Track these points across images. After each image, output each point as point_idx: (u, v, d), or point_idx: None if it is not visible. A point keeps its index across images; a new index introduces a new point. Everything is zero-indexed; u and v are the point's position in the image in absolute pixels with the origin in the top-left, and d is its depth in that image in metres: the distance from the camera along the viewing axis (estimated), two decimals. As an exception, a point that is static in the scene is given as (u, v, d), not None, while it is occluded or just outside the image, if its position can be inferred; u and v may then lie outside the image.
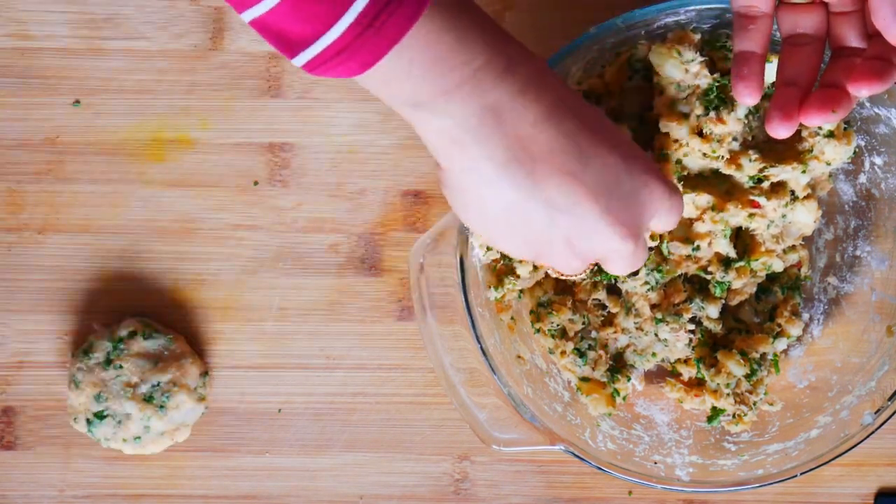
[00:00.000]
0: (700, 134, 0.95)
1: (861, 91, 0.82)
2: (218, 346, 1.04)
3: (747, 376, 1.00)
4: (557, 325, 1.00)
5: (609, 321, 1.00)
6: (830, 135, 0.97)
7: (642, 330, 1.00)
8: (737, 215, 0.97)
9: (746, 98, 0.85)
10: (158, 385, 1.01)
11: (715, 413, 1.01)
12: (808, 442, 0.98)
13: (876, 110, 0.97)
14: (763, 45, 0.85)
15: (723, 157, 0.95)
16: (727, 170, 0.96)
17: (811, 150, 0.97)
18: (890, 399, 0.96)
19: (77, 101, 1.04)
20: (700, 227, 0.98)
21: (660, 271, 0.99)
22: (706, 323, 1.01)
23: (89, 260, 1.04)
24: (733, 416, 1.01)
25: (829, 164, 0.98)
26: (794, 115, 0.84)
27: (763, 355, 1.01)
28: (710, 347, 1.01)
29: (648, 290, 0.99)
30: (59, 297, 1.04)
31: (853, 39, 0.85)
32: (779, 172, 0.97)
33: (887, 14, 0.82)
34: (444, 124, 0.80)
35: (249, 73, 1.04)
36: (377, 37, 0.75)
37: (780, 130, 0.84)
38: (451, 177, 0.82)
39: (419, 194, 1.04)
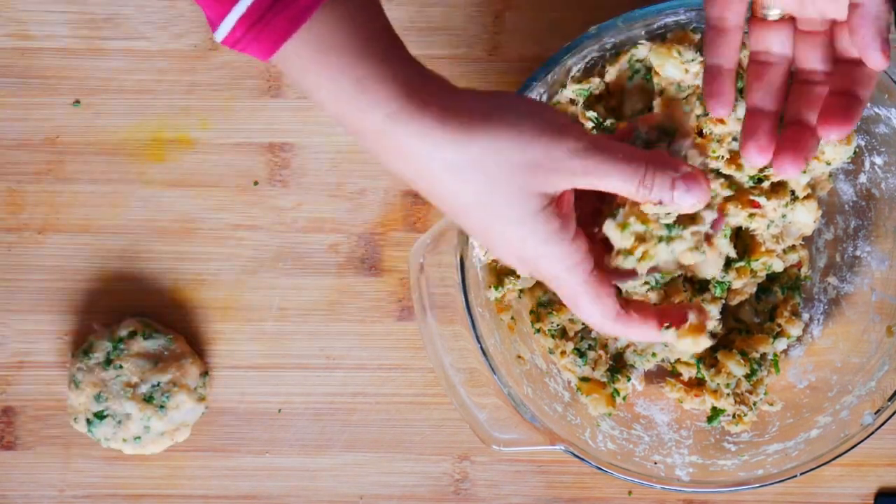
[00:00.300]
0: (700, 134, 0.95)
1: (830, 136, 0.80)
2: (218, 346, 1.04)
3: (747, 376, 1.00)
4: (557, 325, 1.00)
5: (609, 321, 1.00)
6: (830, 135, 0.97)
7: (642, 330, 1.00)
8: (737, 215, 0.97)
9: (719, 111, 0.84)
10: (158, 385, 1.01)
11: (715, 413, 1.01)
12: (808, 442, 0.98)
13: (876, 110, 0.97)
14: (732, 59, 0.83)
15: (723, 157, 0.95)
16: (727, 170, 0.96)
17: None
18: (890, 399, 0.96)
19: (77, 101, 1.04)
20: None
21: (660, 271, 0.99)
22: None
23: (89, 260, 1.04)
24: (733, 416, 1.01)
25: (829, 164, 0.98)
26: (767, 146, 0.82)
27: (763, 355, 1.01)
28: (711, 347, 1.01)
29: (648, 289, 0.99)
30: (59, 297, 1.04)
31: (818, 62, 0.83)
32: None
33: (867, 34, 0.79)
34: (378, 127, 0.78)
35: (249, 73, 1.04)
36: (267, 31, 0.75)
37: (755, 160, 0.83)
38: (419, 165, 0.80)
39: (419, 194, 1.04)
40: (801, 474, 0.96)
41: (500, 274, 0.98)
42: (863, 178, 1.01)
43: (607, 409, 1.00)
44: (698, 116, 0.94)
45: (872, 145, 0.99)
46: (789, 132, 0.82)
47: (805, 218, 0.99)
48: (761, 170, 0.97)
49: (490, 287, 0.98)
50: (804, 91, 0.83)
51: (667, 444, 1.01)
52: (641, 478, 0.97)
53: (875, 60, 0.79)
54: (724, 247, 0.98)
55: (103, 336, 1.02)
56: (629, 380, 1.01)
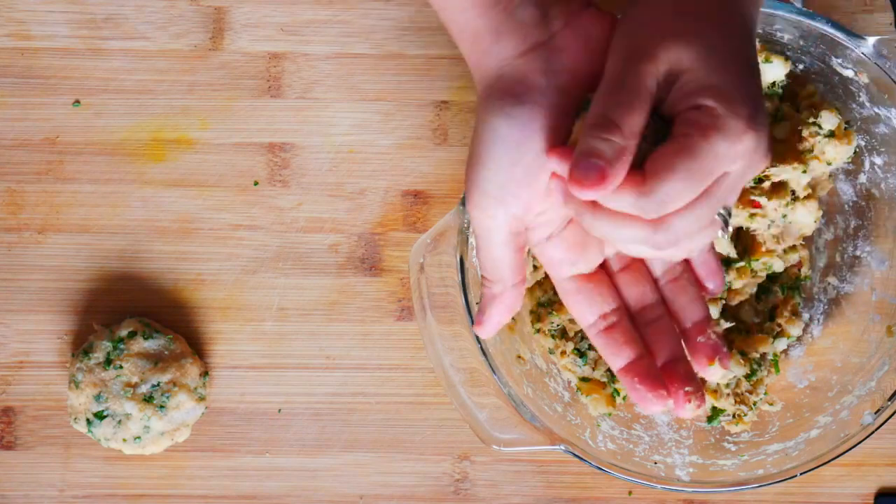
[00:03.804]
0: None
1: (710, 371, 0.82)
2: (218, 346, 1.04)
3: (747, 376, 1.00)
4: (557, 325, 1.00)
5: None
6: (831, 135, 0.97)
7: (642, 330, 1.00)
8: (737, 215, 0.97)
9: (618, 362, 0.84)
10: (158, 385, 1.01)
11: (715, 413, 1.01)
12: (808, 442, 0.98)
13: (876, 110, 0.97)
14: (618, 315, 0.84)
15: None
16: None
17: (811, 150, 0.97)
18: (890, 399, 0.96)
19: (77, 101, 1.04)
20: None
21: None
22: (706, 323, 1.01)
23: (89, 260, 1.04)
24: (733, 416, 1.01)
25: (829, 164, 0.98)
26: (656, 392, 0.82)
27: (763, 355, 1.01)
28: (710, 347, 1.01)
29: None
30: (59, 297, 1.04)
31: (649, 296, 0.83)
32: (779, 172, 0.97)
33: (702, 274, 0.82)
34: None
35: (249, 73, 1.04)
36: None
37: (652, 408, 0.82)
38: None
39: (419, 194, 1.04)
40: (801, 474, 0.96)
41: (500, 274, 0.98)
42: (863, 178, 1.01)
43: (607, 409, 1.00)
44: None
45: (872, 145, 0.99)
46: (666, 371, 0.82)
47: (805, 218, 0.99)
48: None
49: (490, 287, 0.98)
50: (654, 328, 0.83)
51: (667, 444, 1.01)
52: (641, 478, 0.97)
53: (713, 288, 0.83)
54: (725, 247, 0.98)
55: (103, 336, 1.02)
56: (629, 380, 1.01)
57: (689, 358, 0.83)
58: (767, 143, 0.76)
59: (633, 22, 0.77)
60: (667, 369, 0.82)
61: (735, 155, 0.74)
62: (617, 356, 0.82)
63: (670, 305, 0.84)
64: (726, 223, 0.78)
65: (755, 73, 0.76)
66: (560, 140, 0.78)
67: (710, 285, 0.84)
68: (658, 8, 0.77)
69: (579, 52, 0.78)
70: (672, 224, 0.75)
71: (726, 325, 0.98)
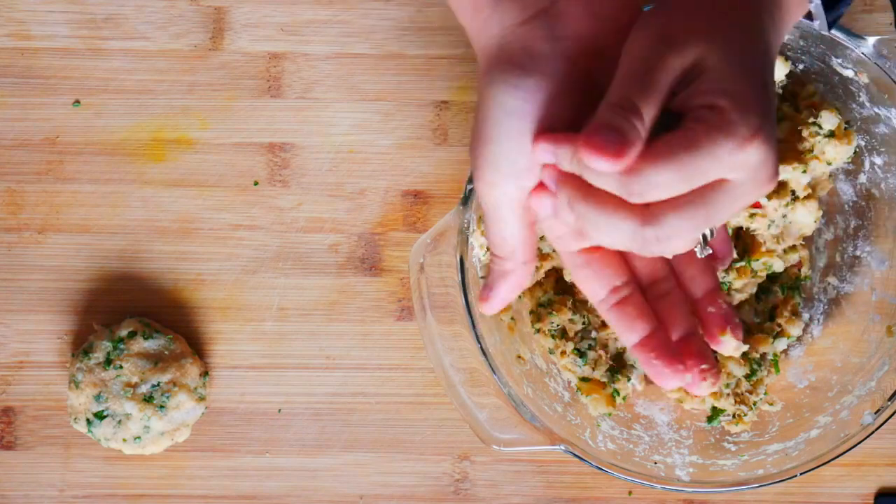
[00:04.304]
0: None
1: (725, 345, 0.81)
2: (218, 346, 1.04)
3: (747, 376, 1.00)
4: (557, 326, 1.00)
5: (609, 321, 1.00)
6: (831, 135, 0.97)
7: (642, 330, 1.00)
8: (737, 215, 0.97)
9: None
10: (158, 385, 1.01)
11: (715, 413, 1.01)
12: (808, 442, 0.98)
13: (876, 110, 0.97)
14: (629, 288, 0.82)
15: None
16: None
17: (812, 150, 0.97)
18: (890, 399, 0.96)
19: (77, 101, 1.04)
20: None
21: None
22: (706, 323, 1.01)
23: (89, 260, 1.04)
24: (733, 416, 1.01)
25: (829, 163, 0.98)
26: (673, 366, 0.80)
27: (763, 355, 1.01)
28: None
29: None
30: (59, 297, 1.04)
31: (662, 269, 0.82)
32: (779, 172, 0.97)
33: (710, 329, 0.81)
34: None
35: (249, 73, 1.04)
36: None
37: (669, 382, 0.81)
38: None
39: (419, 194, 1.04)
40: (801, 474, 0.96)
41: (500, 274, 0.98)
42: (863, 178, 1.01)
43: (607, 409, 1.00)
44: None
45: (872, 145, 0.99)
46: (681, 347, 0.81)
47: (805, 218, 0.99)
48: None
49: (490, 287, 0.98)
50: (666, 302, 0.82)
51: (667, 444, 1.01)
52: (641, 478, 0.97)
53: (722, 257, 0.82)
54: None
55: (103, 336, 1.02)
56: (629, 380, 1.01)
57: (700, 331, 0.82)
58: (775, 165, 0.74)
59: (665, 12, 0.76)
60: (681, 344, 0.80)
61: (736, 163, 0.73)
62: (631, 331, 0.80)
63: (679, 277, 0.82)
64: (705, 240, 0.78)
65: (772, 94, 0.75)
66: (568, 110, 0.77)
67: (719, 255, 0.83)
68: (693, 4, 0.76)
69: (582, 17, 0.77)
70: (662, 221, 0.73)
71: (739, 296, 0.98)
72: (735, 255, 0.99)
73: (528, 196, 0.78)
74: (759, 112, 0.73)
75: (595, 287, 0.81)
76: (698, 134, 0.72)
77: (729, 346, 0.81)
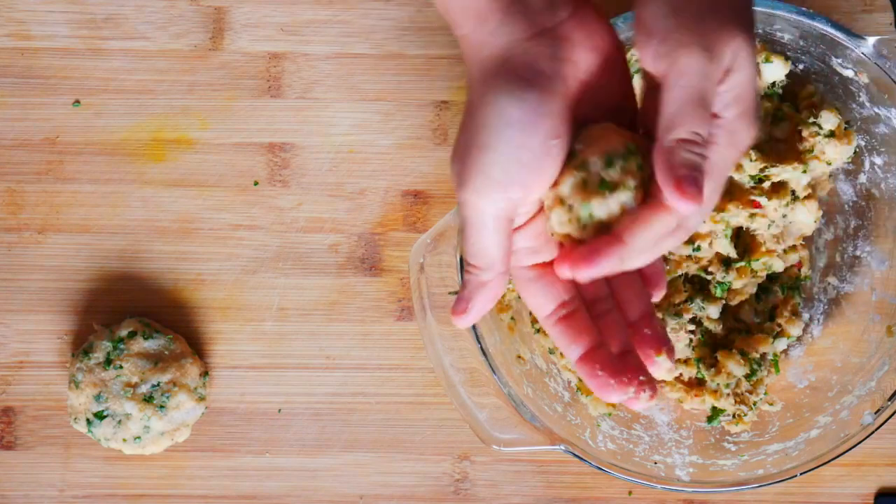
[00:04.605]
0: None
1: (656, 364, 0.82)
2: (218, 346, 1.04)
3: (747, 376, 1.00)
4: (557, 325, 1.00)
5: (609, 321, 1.00)
6: (831, 135, 0.97)
7: (642, 330, 1.00)
8: (738, 215, 0.97)
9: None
10: (158, 385, 1.01)
11: (715, 413, 1.01)
12: (808, 442, 0.98)
13: (876, 110, 0.97)
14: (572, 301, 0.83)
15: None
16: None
17: (812, 150, 0.97)
18: (890, 399, 0.96)
19: (77, 101, 1.04)
20: (701, 227, 0.98)
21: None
22: (706, 323, 1.01)
23: (89, 260, 1.04)
24: (733, 416, 1.01)
25: (829, 164, 0.98)
26: (618, 379, 0.81)
27: (763, 355, 1.01)
28: (711, 347, 1.01)
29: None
30: (59, 297, 1.04)
31: (601, 287, 0.83)
32: (779, 172, 0.97)
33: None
34: None
35: (249, 73, 1.04)
36: None
37: (612, 395, 0.81)
38: None
39: (419, 194, 1.04)
40: (801, 474, 0.96)
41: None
42: (863, 178, 1.01)
43: (607, 409, 1.00)
44: None
45: (872, 145, 0.99)
46: (622, 361, 0.82)
47: (805, 218, 0.99)
48: (762, 169, 0.97)
49: (490, 287, 0.98)
50: (606, 321, 0.83)
51: (667, 444, 1.01)
52: (641, 478, 0.97)
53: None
54: (725, 247, 0.98)
55: (103, 336, 1.02)
56: (629, 380, 1.01)
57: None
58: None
59: (680, 17, 0.77)
60: (621, 360, 0.82)
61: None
62: (575, 345, 0.82)
63: (616, 297, 0.84)
64: None
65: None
66: (565, 126, 0.78)
67: (653, 281, 0.84)
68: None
69: (582, 44, 0.78)
70: (692, 220, 0.78)
71: (739, 297, 0.99)
72: (735, 255, 0.99)
73: (511, 211, 0.79)
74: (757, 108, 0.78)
75: (542, 302, 0.82)
76: (730, 149, 0.77)
77: (662, 367, 0.82)
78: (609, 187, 0.76)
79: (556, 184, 0.78)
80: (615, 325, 0.83)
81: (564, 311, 0.82)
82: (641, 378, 0.80)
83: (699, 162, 0.75)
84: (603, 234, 0.76)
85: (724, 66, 0.76)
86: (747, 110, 0.77)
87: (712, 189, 0.77)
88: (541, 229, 0.81)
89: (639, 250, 0.76)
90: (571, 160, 0.77)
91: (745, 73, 0.76)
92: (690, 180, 0.75)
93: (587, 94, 0.79)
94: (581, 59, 0.79)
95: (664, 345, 0.82)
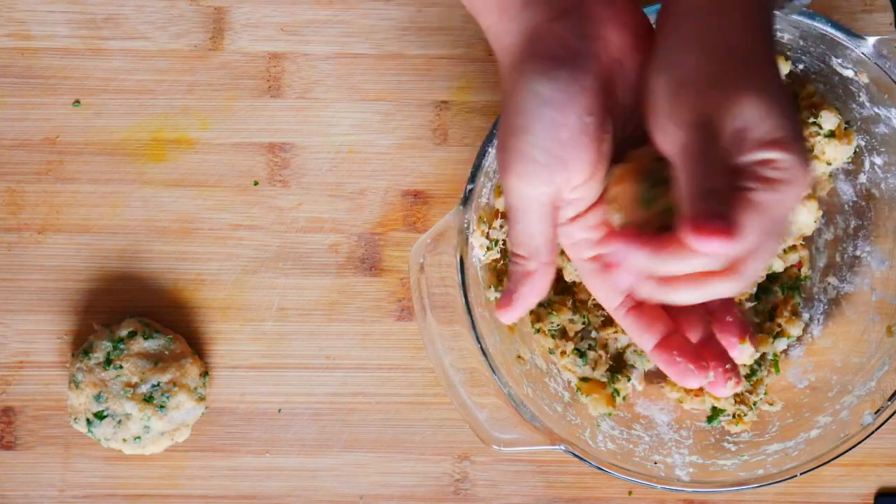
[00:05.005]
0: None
1: (738, 350, 0.81)
2: (218, 346, 1.04)
3: (747, 376, 1.00)
4: (557, 325, 1.00)
5: (609, 321, 1.00)
6: (831, 135, 0.97)
7: (642, 330, 1.00)
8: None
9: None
10: (158, 385, 1.01)
11: (715, 413, 1.01)
12: (808, 442, 0.98)
13: (876, 110, 0.97)
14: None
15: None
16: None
17: (811, 150, 0.97)
18: (890, 399, 0.96)
19: (77, 101, 1.04)
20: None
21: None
22: (706, 323, 1.01)
23: (89, 260, 1.04)
24: (733, 416, 1.01)
25: (829, 164, 0.98)
26: (696, 366, 0.81)
27: (763, 355, 1.01)
28: (710, 347, 1.01)
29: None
30: (59, 297, 1.04)
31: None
32: (779, 172, 0.97)
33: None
34: None
35: (249, 73, 1.04)
36: None
37: (692, 380, 0.81)
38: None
39: (419, 194, 1.04)
40: (801, 474, 0.96)
41: (500, 274, 0.98)
42: (863, 178, 1.01)
43: (607, 409, 1.00)
44: None
45: (872, 145, 0.99)
46: (702, 350, 0.81)
47: (805, 218, 0.99)
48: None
49: (490, 287, 0.98)
50: (681, 309, 0.82)
51: (667, 444, 1.01)
52: (641, 478, 0.97)
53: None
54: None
55: (103, 336, 1.02)
56: (629, 380, 1.01)
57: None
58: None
59: (678, 66, 0.76)
60: (701, 347, 0.81)
61: (800, 198, 0.74)
62: (648, 334, 0.80)
63: None
64: None
65: (796, 108, 0.76)
66: (599, 104, 0.77)
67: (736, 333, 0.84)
68: (698, 48, 0.76)
69: (610, 19, 0.78)
70: (749, 269, 0.74)
71: (749, 304, 0.98)
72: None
73: (557, 196, 0.78)
74: (803, 145, 0.74)
75: (609, 293, 0.81)
76: (776, 197, 0.73)
77: (746, 353, 0.82)
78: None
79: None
80: (692, 314, 0.81)
81: (633, 301, 0.81)
82: (727, 367, 0.80)
83: (724, 211, 0.72)
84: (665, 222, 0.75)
85: (729, 131, 0.74)
86: (794, 178, 0.74)
87: (762, 230, 0.73)
88: (598, 220, 0.80)
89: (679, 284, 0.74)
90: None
91: (765, 128, 0.74)
92: (713, 218, 0.71)
93: (621, 75, 0.78)
94: (612, 37, 0.78)
95: (747, 331, 0.81)
